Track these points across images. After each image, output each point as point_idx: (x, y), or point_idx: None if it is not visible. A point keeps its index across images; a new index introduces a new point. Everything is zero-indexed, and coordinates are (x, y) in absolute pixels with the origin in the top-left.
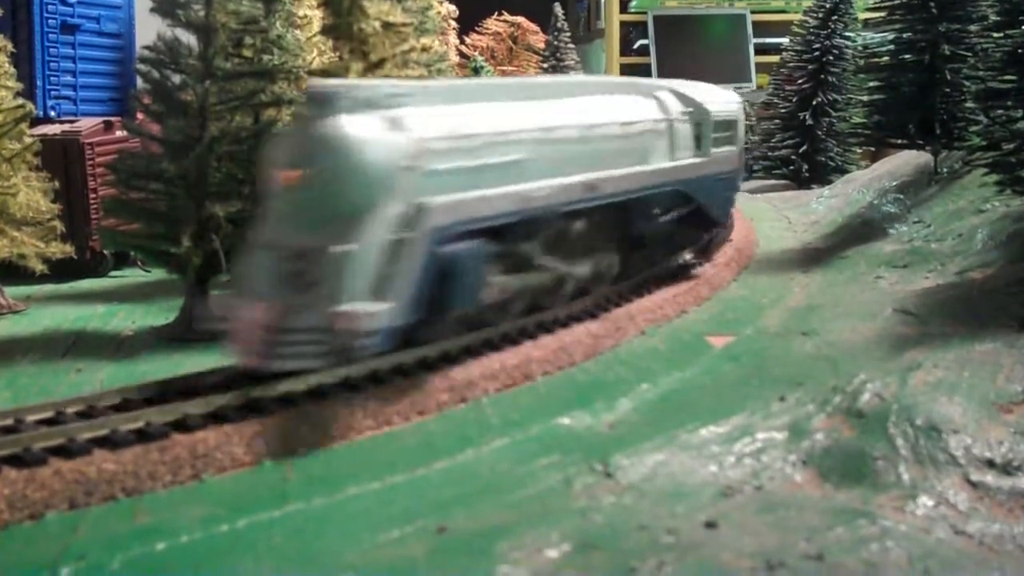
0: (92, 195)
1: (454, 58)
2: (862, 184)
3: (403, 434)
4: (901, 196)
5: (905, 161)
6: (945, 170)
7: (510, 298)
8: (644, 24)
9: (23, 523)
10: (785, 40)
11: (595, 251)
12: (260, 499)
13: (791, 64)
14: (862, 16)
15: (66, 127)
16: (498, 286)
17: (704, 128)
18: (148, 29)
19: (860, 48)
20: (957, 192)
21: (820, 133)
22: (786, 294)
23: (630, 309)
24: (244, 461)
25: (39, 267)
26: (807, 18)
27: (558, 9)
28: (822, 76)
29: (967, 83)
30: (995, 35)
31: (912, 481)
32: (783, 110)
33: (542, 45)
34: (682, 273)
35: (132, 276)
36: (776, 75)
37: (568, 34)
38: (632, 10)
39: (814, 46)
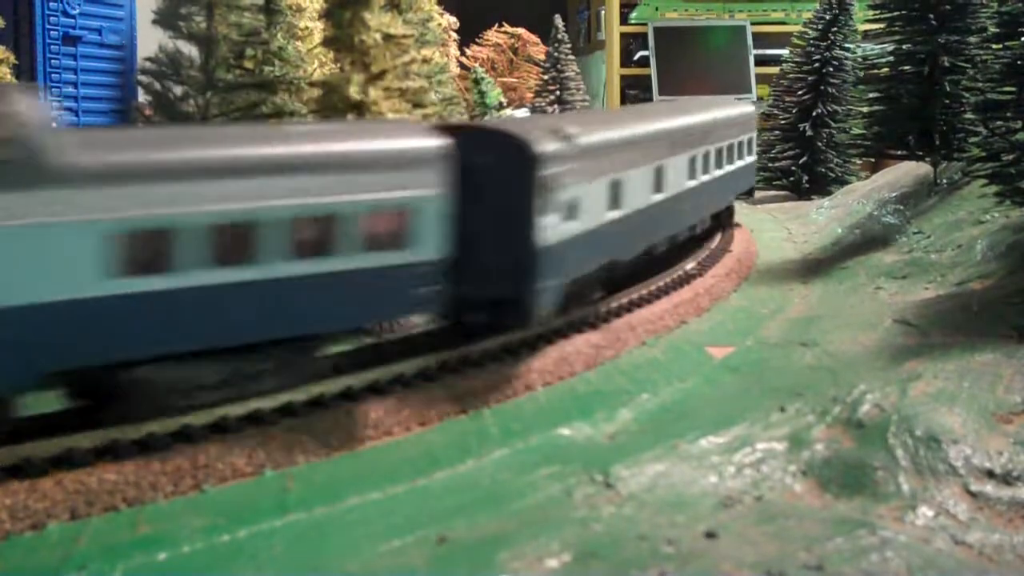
0: None
1: (455, 69)
2: (862, 195)
3: (404, 444)
4: (901, 207)
5: (905, 172)
6: (945, 181)
7: None
8: (644, 36)
9: (25, 533)
10: (785, 51)
11: None
12: (261, 509)
13: (791, 75)
14: (862, 28)
15: None
16: None
17: None
18: (149, 40)
19: (860, 59)
20: (957, 203)
21: (820, 144)
22: (786, 305)
23: (630, 319)
24: (245, 471)
25: None
26: (807, 29)
27: (559, 21)
28: (822, 87)
29: (966, 94)
30: (994, 47)
31: (912, 491)
32: (783, 121)
33: (542, 57)
34: None
35: None
36: (776, 86)
37: (568, 46)
38: (632, 22)
39: (814, 57)
